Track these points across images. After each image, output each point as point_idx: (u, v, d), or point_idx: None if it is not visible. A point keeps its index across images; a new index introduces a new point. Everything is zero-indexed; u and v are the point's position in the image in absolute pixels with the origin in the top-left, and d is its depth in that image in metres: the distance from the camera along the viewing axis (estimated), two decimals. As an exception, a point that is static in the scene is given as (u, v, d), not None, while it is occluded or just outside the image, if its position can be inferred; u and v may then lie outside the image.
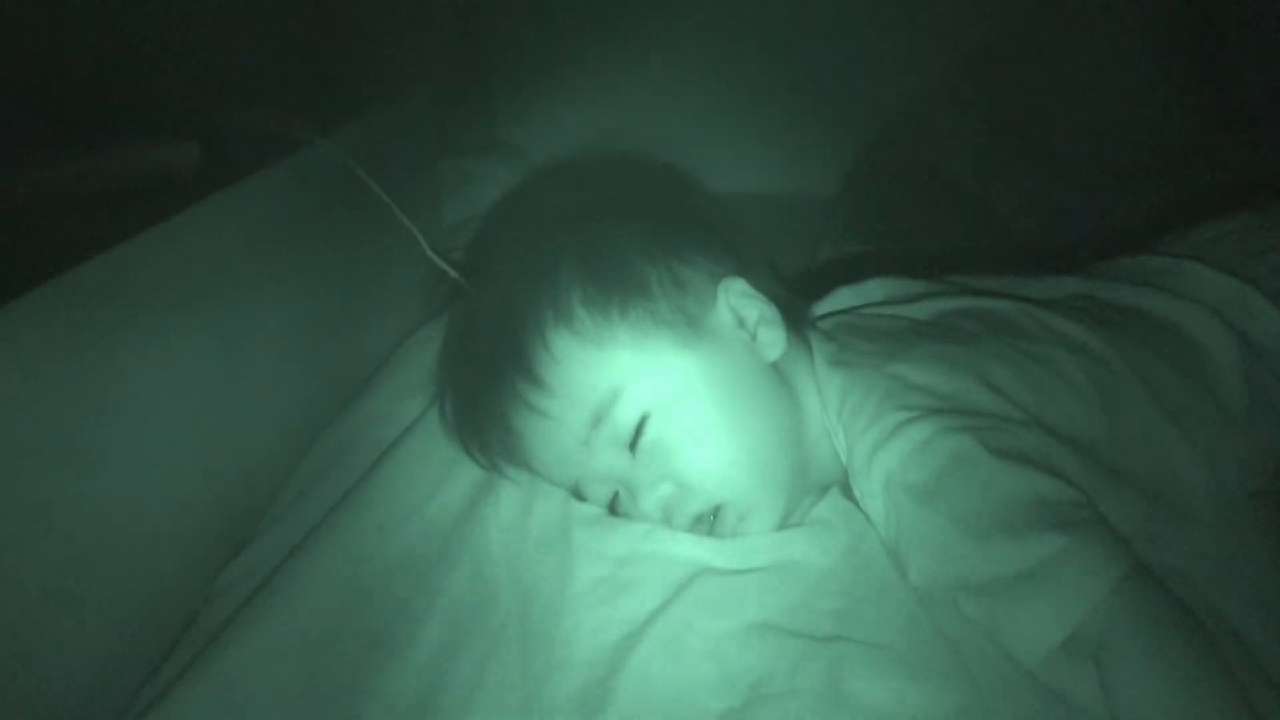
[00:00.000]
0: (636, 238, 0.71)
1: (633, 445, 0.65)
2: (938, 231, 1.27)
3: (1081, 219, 1.22)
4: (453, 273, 0.83)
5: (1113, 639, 0.52)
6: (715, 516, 0.66)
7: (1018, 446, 0.60)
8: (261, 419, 0.70)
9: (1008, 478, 0.58)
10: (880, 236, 1.25)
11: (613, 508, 0.69)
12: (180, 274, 0.60)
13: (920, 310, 0.74)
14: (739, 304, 0.70)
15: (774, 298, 0.72)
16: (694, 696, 0.54)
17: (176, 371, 0.60)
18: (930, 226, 1.28)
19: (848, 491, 0.69)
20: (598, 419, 0.65)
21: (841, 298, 0.80)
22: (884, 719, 0.53)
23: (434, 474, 0.71)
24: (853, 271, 0.86)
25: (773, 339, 0.69)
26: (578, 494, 0.69)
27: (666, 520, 0.67)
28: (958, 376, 0.64)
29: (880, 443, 0.62)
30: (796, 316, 0.74)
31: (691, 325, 0.68)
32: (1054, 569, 0.54)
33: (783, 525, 0.67)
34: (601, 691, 0.54)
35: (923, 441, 0.61)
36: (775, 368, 0.70)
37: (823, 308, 0.79)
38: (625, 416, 0.65)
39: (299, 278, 0.74)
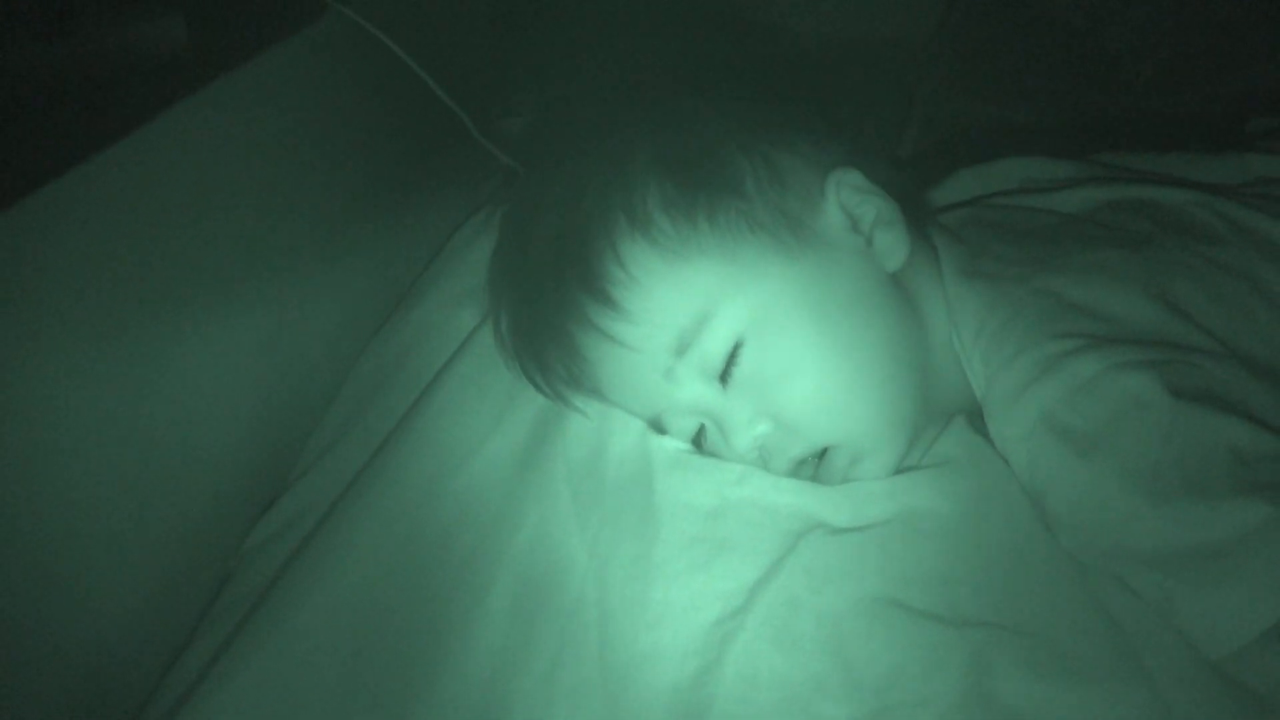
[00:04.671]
0: (725, 118, 0.58)
1: (724, 377, 0.55)
2: (1046, 78, 1.12)
3: (1217, 66, 1.04)
4: (505, 158, 0.71)
5: None
6: (821, 459, 0.56)
7: (1208, 385, 0.49)
8: (288, 342, 0.60)
9: (1196, 426, 0.47)
10: (983, 87, 1.10)
11: (698, 442, 0.59)
12: (176, 179, 0.49)
13: (1069, 202, 0.61)
14: (852, 201, 0.57)
15: (893, 191, 0.59)
16: (811, 701, 0.45)
17: (180, 292, 0.50)
18: (1037, 71, 1.12)
19: (974, 421, 0.59)
20: (683, 346, 0.54)
21: (966, 183, 0.67)
22: (1044, 732, 0.44)
23: (492, 405, 0.61)
24: (972, 147, 0.73)
25: (893, 244, 0.57)
26: (658, 427, 0.59)
27: (763, 463, 0.57)
28: (1129, 294, 0.52)
29: (1033, 378, 0.51)
30: (918, 212, 0.62)
31: (794, 230, 0.56)
32: (1256, 544, 0.44)
33: (901, 467, 0.57)
34: (699, 693, 0.46)
35: (1089, 379, 0.49)
36: (895, 279, 0.58)
37: (943, 197, 0.66)
38: (715, 344, 0.54)
39: (323, 173, 0.63)
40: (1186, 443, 0.47)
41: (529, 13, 0.98)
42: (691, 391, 0.56)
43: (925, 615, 0.48)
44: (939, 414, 0.59)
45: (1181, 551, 0.46)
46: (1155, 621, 0.47)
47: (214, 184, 0.52)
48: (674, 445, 0.58)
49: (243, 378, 0.56)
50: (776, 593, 0.50)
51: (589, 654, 0.48)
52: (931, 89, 1.09)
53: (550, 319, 0.58)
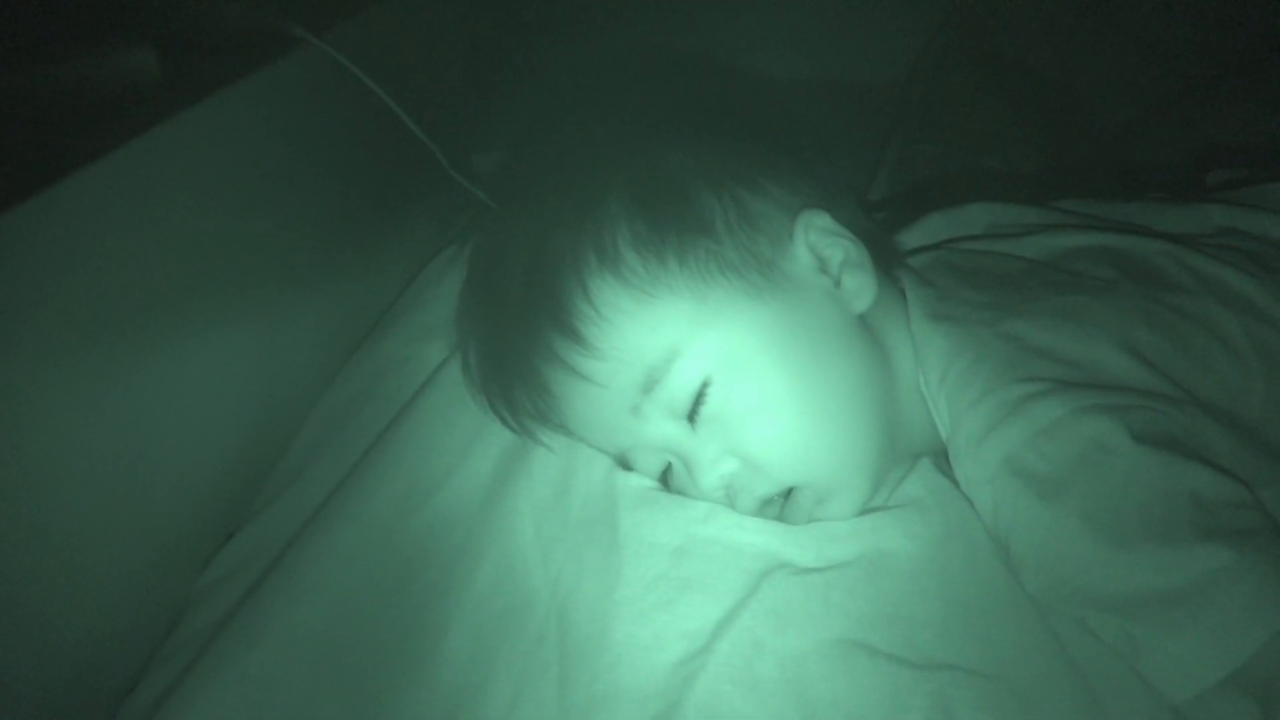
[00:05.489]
0: (697, 161, 0.58)
1: (691, 415, 0.55)
2: (1018, 126, 1.14)
3: (1182, 118, 1.06)
4: (479, 193, 0.71)
5: None
6: (787, 499, 0.56)
7: (1170, 431, 0.49)
8: (253, 374, 0.60)
9: (1158, 472, 0.47)
10: (956, 133, 1.11)
11: (664, 479, 0.59)
12: (143, 208, 0.49)
13: (1035, 247, 0.61)
14: (821, 243, 0.58)
15: (861, 233, 0.59)
16: (773, 743, 0.45)
17: (142, 323, 0.49)
18: (1009, 119, 1.14)
19: (940, 462, 0.59)
20: (650, 384, 0.54)
21: (934, 227, 0.68)
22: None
23: (458, 439, 0.60)
24: (942, 191, 0.73)
25: (861, 286, 0.58)
26: (624, 463, 0.59)
27: (729, 501, 0.56)
28: (1093, 339, 0.53)
29: (996, 421, 0.51)
30: (886, 255, 0.62)
31: (763, 271, 0.56)
32: (1216, 591, 0.44)
33: (866, 507, 0.57)
34: (658, 734, 0.45)
35: (1052, 423, 0.50)
36: (862, 320, 0.58)
37: (912, 239, 0.67)
38: (683, 382, 0.54)
39: (294, 205, 0.63)
40: (1148, 488, 0.47)
41: (504, 50, 0.99)
42: (658, 429, 0.56)
43: (888, 657, 0.48)
44: (905, 455, 0.60)
45: (1143, 596, 0.46)
46: (1117, 665, 0.47)
47: (181, 215, 0.52)
48: (640, 482, 0.58)
49: (206, 410, 0.55)
50: (739, 633, 0.49)
51: (548, 694, 0.47)
52: (904, 134, 1.11)
53: (518, 354, 0.58)
